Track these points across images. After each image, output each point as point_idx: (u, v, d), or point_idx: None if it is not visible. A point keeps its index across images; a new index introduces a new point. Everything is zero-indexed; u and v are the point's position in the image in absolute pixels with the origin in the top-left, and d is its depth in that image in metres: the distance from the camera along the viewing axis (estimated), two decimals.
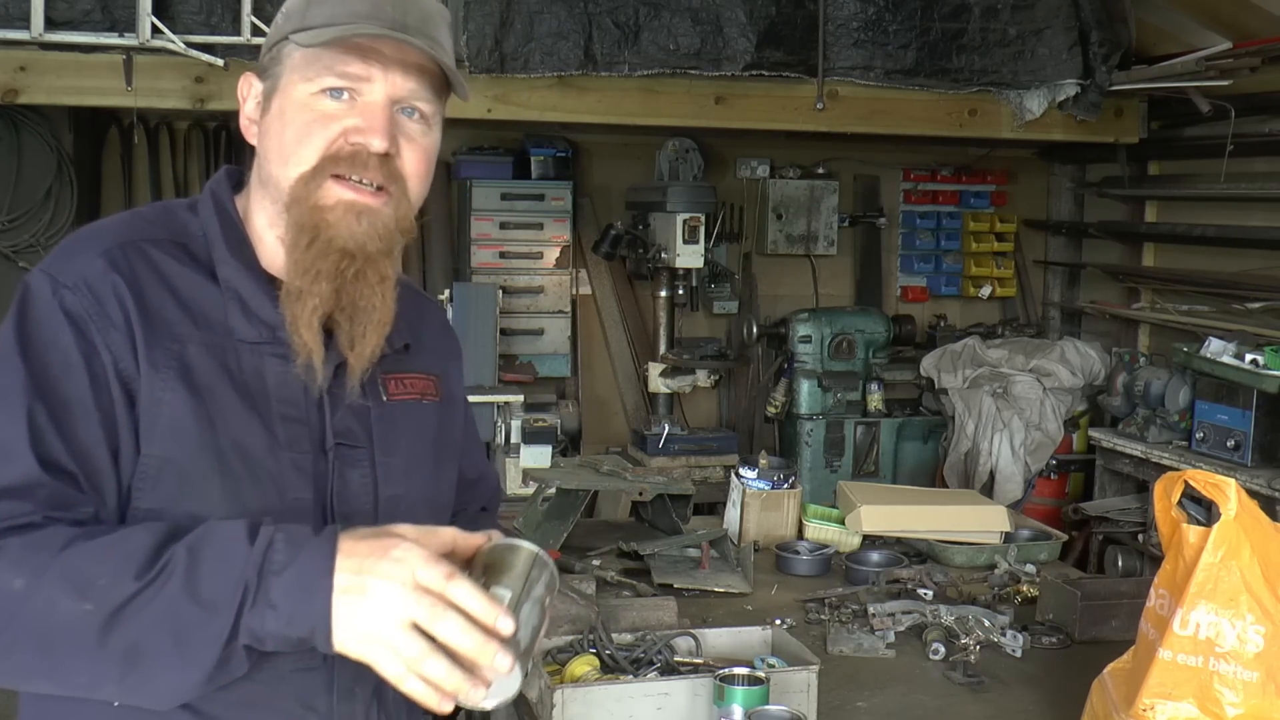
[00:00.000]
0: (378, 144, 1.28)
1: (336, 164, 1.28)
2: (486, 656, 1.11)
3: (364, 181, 1.29)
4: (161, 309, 1.27)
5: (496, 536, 1.27)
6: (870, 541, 3.30)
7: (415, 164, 1.34)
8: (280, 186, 1.31)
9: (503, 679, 1.16)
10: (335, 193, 1.28)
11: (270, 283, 1.34)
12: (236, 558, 1.13)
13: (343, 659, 1.20)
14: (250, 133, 1.36)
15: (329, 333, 1.33)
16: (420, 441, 1.45)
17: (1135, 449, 4.59)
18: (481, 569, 1.22)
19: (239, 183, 1.42)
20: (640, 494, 3.27)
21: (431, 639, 1.11)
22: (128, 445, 1.24)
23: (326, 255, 1.28)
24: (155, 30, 3.84)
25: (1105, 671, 2.00)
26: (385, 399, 1.41)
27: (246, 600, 1.11)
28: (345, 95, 1.30)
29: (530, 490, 3.59)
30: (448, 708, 1.15)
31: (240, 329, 1.30)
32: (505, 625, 1.12)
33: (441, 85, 1.36)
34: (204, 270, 1.32)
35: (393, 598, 1.11)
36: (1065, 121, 4.91)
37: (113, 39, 3.91)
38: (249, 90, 1.37)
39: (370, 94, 1.30)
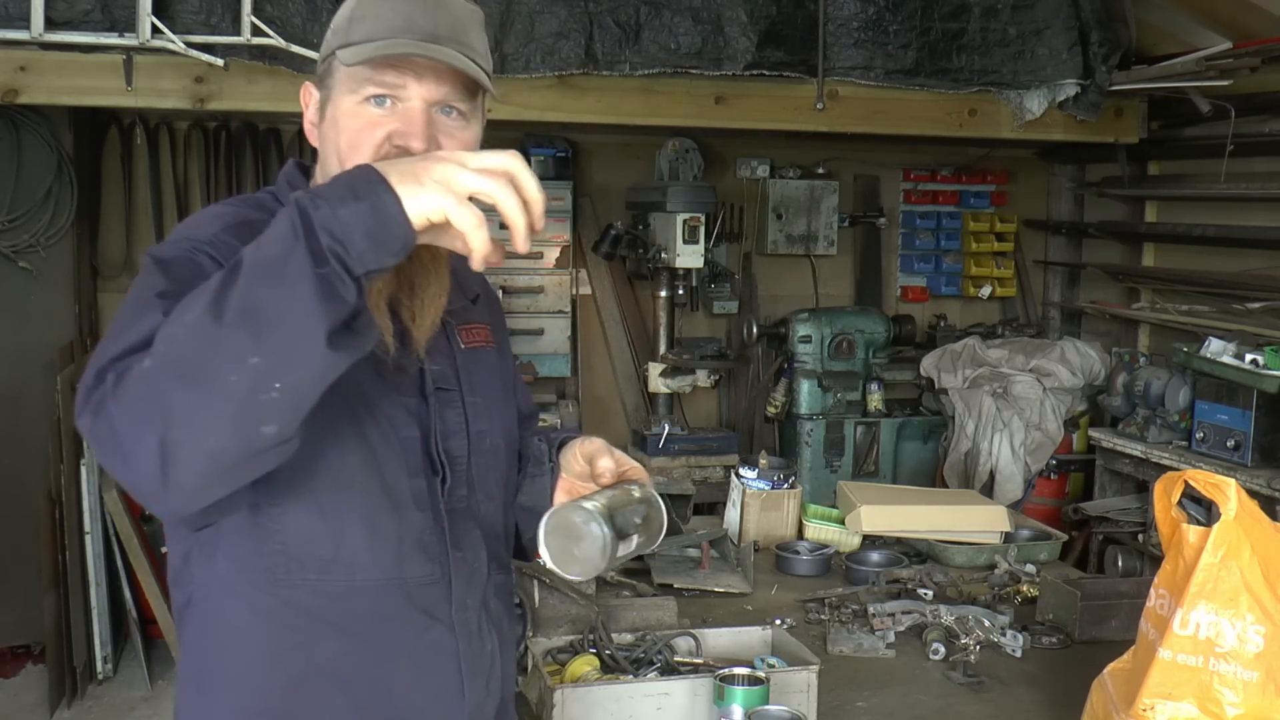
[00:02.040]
0: (416, 145, 1.45)
1: None
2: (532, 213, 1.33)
3: None
4: None
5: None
6: (870, 541, 3.30)
7: None
8: None
9: (592, 554, 1.44)
10: None
11: None
12: (286, 209, 1.22)
13: (457, 574, 1.52)
14: (313, 136, 1.55)
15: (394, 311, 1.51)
16: (492, 382, 1.69)
17: (1135, 449, 4.59)
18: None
19: (304, 173, 1.60)
20: None
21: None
22: None
23: None
24: (155, 30, 3.83)
25: (1105, 671, 2.00)
26: (462, 346, 1.64)
27: (307, 212, 1.18)
28: (388, 102, 1.47)
29: None
30: (511, 252, 1.35)
31: None
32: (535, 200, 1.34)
33: (475, 82, 1.51)
34: None
35: (447, 177, 1.23)
36: (1065, 121, 4.91)
37: (113, 39, 3.89)
38: (309, 98, 1.56)
39: (408, 100, 1.47)
